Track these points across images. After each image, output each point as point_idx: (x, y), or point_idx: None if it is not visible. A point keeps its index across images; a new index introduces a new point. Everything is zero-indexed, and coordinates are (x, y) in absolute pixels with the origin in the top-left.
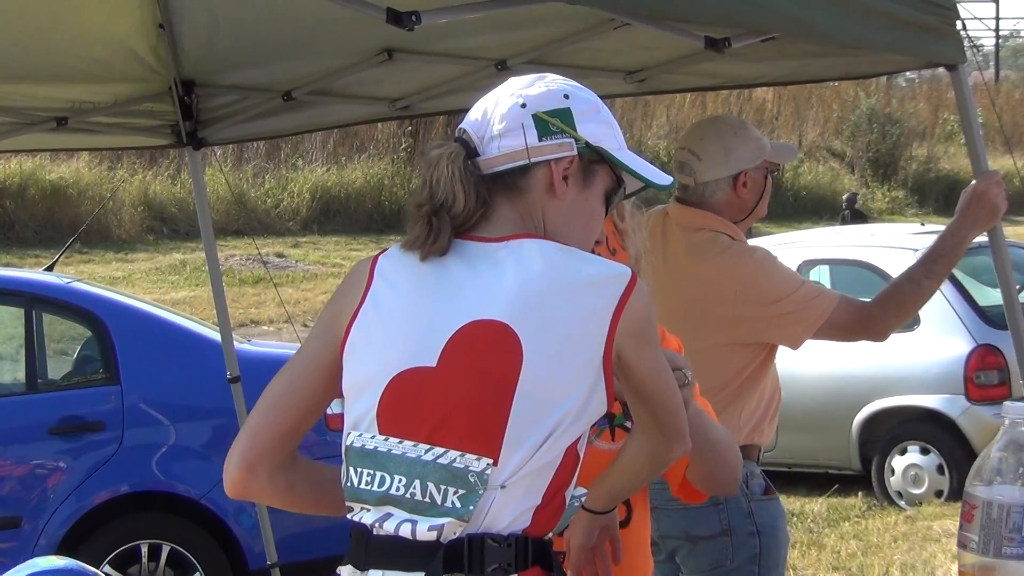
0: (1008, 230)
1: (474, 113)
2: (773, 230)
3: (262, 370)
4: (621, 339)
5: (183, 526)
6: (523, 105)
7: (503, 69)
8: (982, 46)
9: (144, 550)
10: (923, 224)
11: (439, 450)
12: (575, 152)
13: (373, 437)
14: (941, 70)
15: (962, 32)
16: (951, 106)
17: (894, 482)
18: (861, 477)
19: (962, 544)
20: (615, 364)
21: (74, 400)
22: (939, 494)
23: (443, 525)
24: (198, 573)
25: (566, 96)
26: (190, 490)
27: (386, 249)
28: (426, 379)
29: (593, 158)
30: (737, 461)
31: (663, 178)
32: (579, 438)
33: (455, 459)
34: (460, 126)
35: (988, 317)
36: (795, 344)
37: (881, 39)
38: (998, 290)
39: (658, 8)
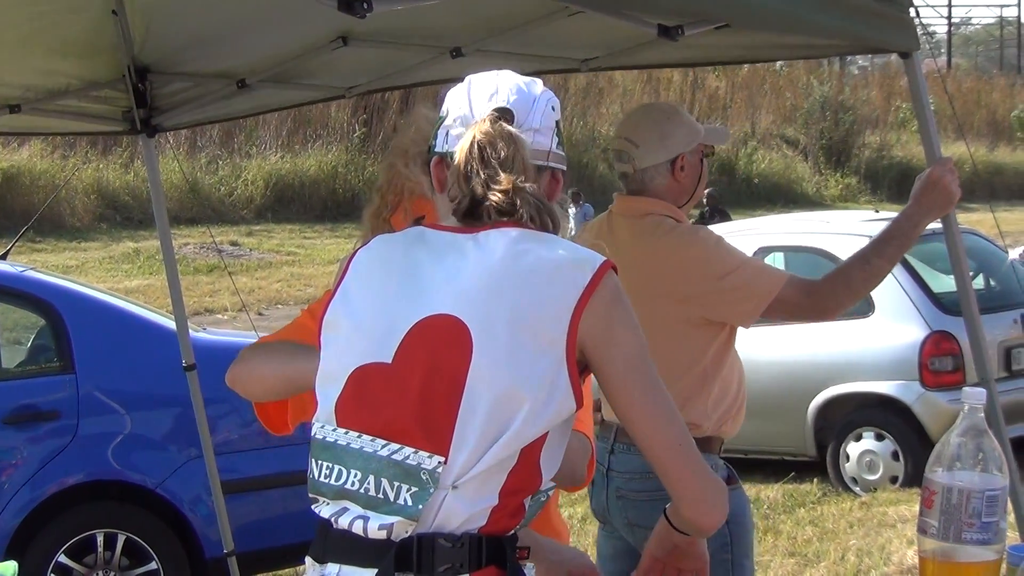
0: (961, 217)
1: (508, 93)
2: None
3: (217, 358)
4: (586, 330)
5: (139, 515)
6: (554, 108)
7: (458, 56)
8: (934, 33)
9: (100, 539)
10: (877, 211)
11: (394, 446)
12: (564, 167)
13: (334, 430)
14: (893, 58)
15: (915, 19)
16: (903, 94)
17: (849, 468)
18: (816, 463)
19: (922, 530)
20: (582, 357)
21: (28, 389)
22: (894, 480)
23: (392, 524)
24: (154, 562)
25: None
26: (146, 479)
27: (369, 243)
28: (382, 375)
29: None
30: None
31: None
32: (542, 438)
33: (408, 455)
34: (499, 100)
35: (942, 304)
36: (745, 321)
37: (835, 27)
38: (952, 277)
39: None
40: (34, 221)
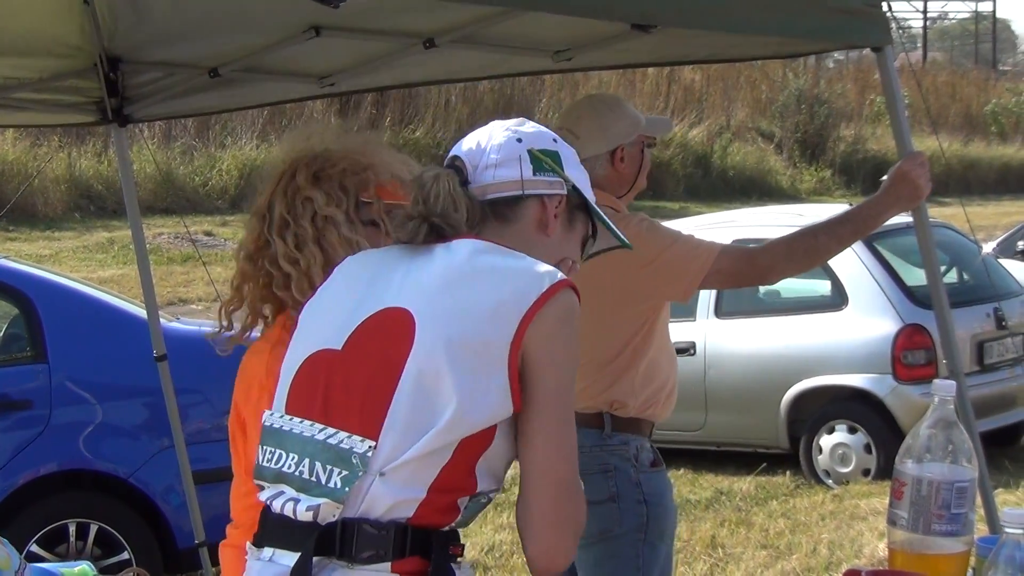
0: (935, 211)
1: (467, 143)
2: (703, 210)
3: (189, 348)
4: (531, 340)
5: (111, 505)
6: (519, 140)
7: (431, 47)
8: (909, 27)
9: (72, 529)
10: (851, 204)
11: (330, 430)
12: (565, 192)
13: (281, 416)
14: (869, 51)
15: (888, 14)
16: (878, 88)
17: (822, 461)
18: (789, 456)
19: (891, 521)
20: (524, 365)
21: (1, 378)
22: (866, 473)
23: (319, 506)
24: (126, 552)
25: (555, 140)
26: (118, 469)
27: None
28: (330, 361)
29: (577, 203)
30: None
31: (626, 240)
32: (482, 442)
33: (343, 440)
34: (452, 153)
35: (915, 297)
36: (684, 297)
37: (805, 24)
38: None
39: (580, 5)
40: (6, 210)
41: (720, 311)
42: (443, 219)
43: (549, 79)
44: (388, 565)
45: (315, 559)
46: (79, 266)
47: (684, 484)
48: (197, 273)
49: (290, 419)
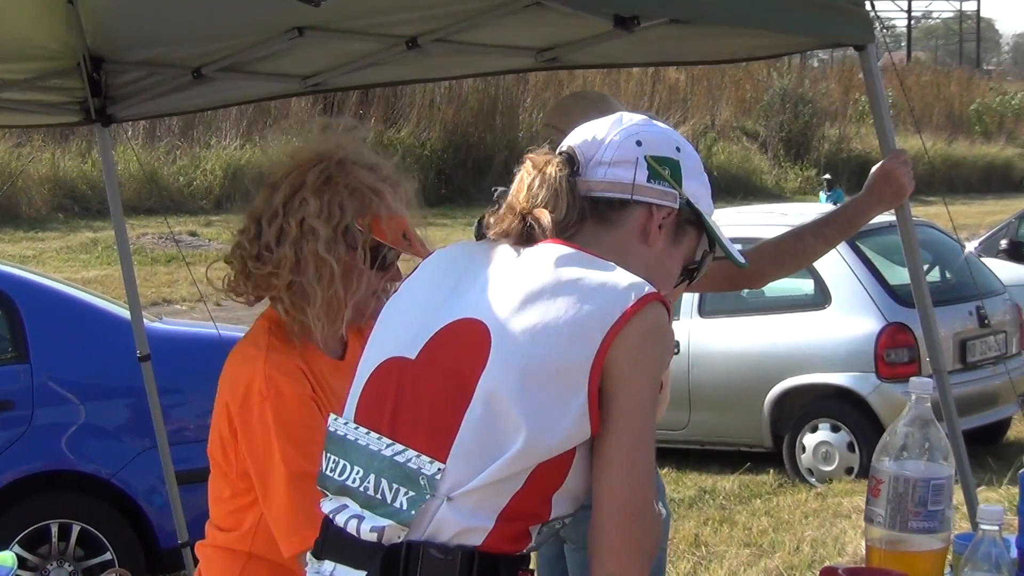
0: (919, 210)
1: (581, 135)
2: None
3: (173, 349)
4: (614, 357)
5: (94, 505)
6: (639, 143)
7: (414, 47)
8: (894, 27)
9: (54, 530)
10: (835, 203)
11: (399, 447)
12: (676, 205)
13: (347, 424)
14: (853, 51)
15: (872, 13)
16: (862, 87)
17: (805, 459)
18: (773, 455)
19: (869, 519)
20: (604, 383)
21: None
22: (849, 471)
23: (384, 528)
24: (108, 552)
25: (678, 149)
26: (100, 469)
27: (450, 245)
28: (403, 371)
29: (689, 217)
30: None
31: (741, 256)
32: (553, 462)
33: (411, 459)
34: (565, 145)
35: (898, 296)
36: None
37: (788, 21)
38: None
39: None
40: None
41: (703, 310)
42: (537, 218)
43: (533, 79)
44: None
45: None
46: (63, 267)
47: (668, 483)
48: (181, 273)
49: (356, 428)
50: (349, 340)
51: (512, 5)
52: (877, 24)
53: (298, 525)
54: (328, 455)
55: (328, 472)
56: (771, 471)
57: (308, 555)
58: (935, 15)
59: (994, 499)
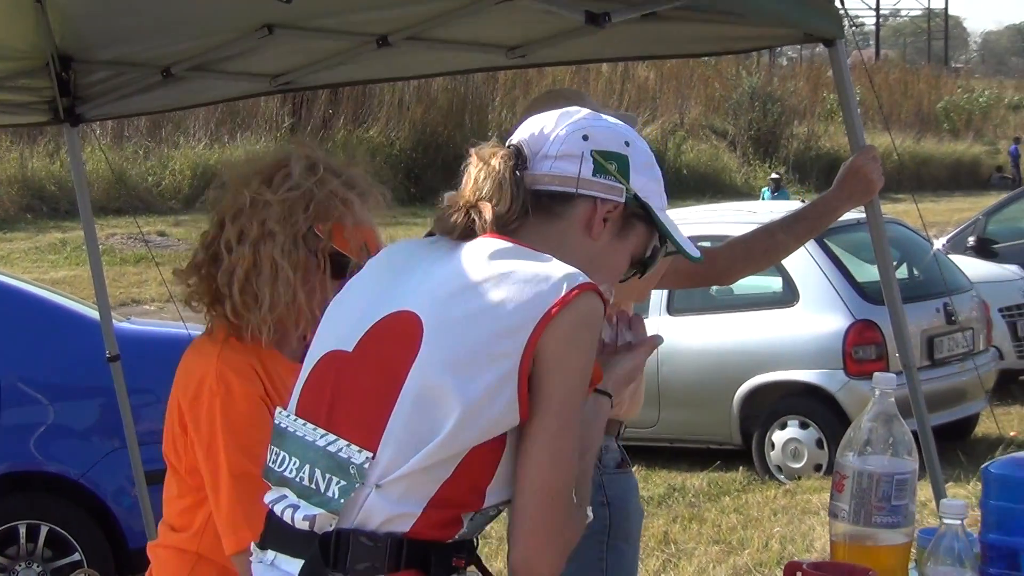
0: (888, 207)
1: (529, 128)
2: None
3: (142, 349)
4: (544, 346)
5: (62, 506)
6: (585, 138)
7: (384, 45)
8: (863, 25)
9: (22, 531)
10: (804, 201)
11: (332, 437)
12: (622, 200)
13: (288, 416)
14: (821, 49)
15: (841, 10)
16: (831, 85)
17: (774, 456)
18: (742, 452)
19: (833, 514)
20: (535, 371)
21: None
22: (818, 468)
23: (316, 516)
24: (77, 553)
25: (627, 143)
26: (69, 470)
27: (396, 241)
28: (340, 363)
29: (636, 212)
30: None
31: (694, 250)
32: (483, 450)
33: (342, 448)
34: (512, 139)
35: (866, 293)
36: (641, 298)
37: (761, 9)
38: (876, 266)
39: None
40: None
41: (672, 308)
42: (480, 211)
43: (503, 77)
44: None
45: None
46: (31, 267)
47: (637, 480)
48: (150, 273)
49: (296, 421)
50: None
51: (483, 2)
52: (846, 21)
53: (236, 524)
54: (271, 447)
55: (270, 464)
56: (740, 468)
57: (252, 545)
58: (903, 13)
59: (962, 495)
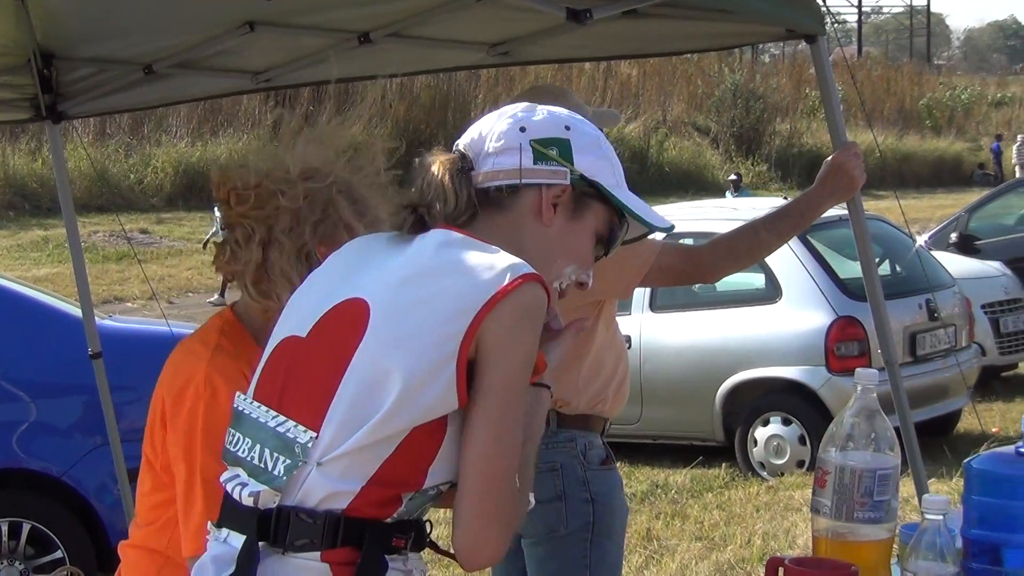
0: (871, 204)
1: (470, 133)
2: None
3: (124, 346)
4: (485, 333)
5: (44, 504)
6: (522, 129)
7: (365, 42)
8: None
9: (4, 528)
10: (786, 198)
11: (281, 418)
12: (567, 182)
13: (246, 400)
14: (803, 46)
15: (823, 7)
16: (813, 82)
17: (757, 453)
18: (724, 448)
19: (815, 509)
20: (478, 358)
21: None
22: (801, 464)
23: (259, 493)
24: (59, 551)
25: (567, 127)
26: (51, 467)
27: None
28: (294, 348)
29: (587, 191)
30: None
31: (661, 220)
32: (424, 431)
33: (289, 428)
34: (458, 144)
35: (849, 289)
36: (624, 295)
37: (742, 5)
38: (858, 263)
39: None
40: None
41: (655, 305)
42: (428, 209)
43: (485, 75)
44: (318, 554)
45: (260, 544)
46: (14, 265)
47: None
48: (133, 271)
49: (251, 404)
50: None
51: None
52: (828, 19)
53: (200, 529)
54: (230, 430)
55: (227, 445)
56: (723, 465)
57: (209, 523)
58: (886, 10)
59: (945, 491)
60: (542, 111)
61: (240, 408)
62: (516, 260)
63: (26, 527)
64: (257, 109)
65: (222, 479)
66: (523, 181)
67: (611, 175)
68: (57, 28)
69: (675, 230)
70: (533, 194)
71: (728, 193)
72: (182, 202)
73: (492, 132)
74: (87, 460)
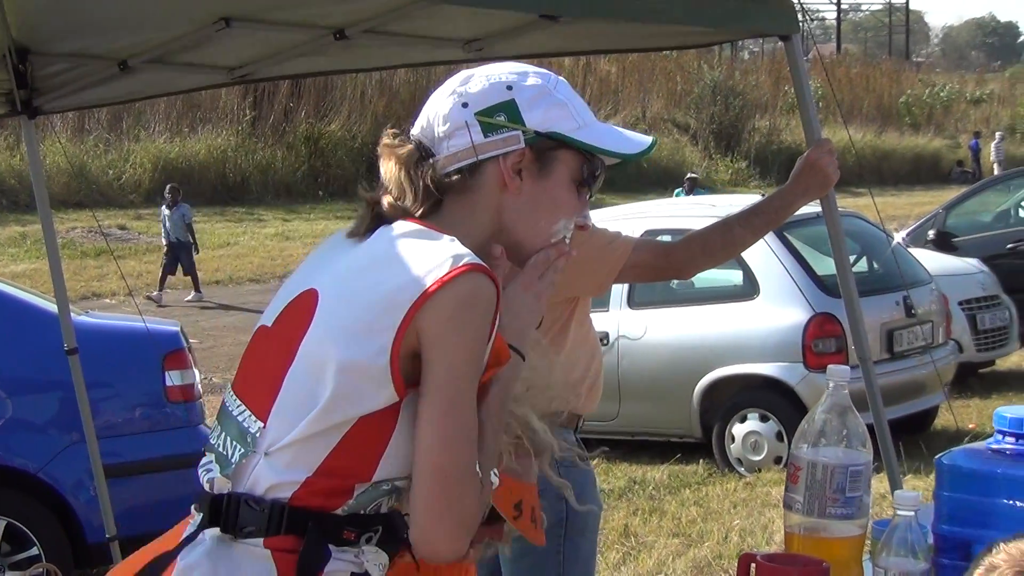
0: (849, 201)
1: (421, 121)
2: (618, 201)
3: (100, 342)
4: (422, 324)
5: (20, 500)
6: (464, 104)
7: (341, 38)
8: (823, 19)
9: None
10: (764, 195)
11: (241, 407)
12: (522, 145)
13: (227, 391)
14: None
15: (797, 4)
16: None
17: (734, 449)
18: (702, 445)
19: (787, 505)
20: (422, 349)
21: None
22: (778, 460)
23: (215, 479)
24: (35, 547)
25: (509, 88)
26: (27, 464)
27: None
28: (260, 338)
29: (548, 145)
30: None
31: (635, 145)
32: (371, 421)
33: (246, 418)
34: (412, 131)
35: (826, 286)
36: (599, 292)
37: (711, 13)
38: None
39: None
40: None
41: (632, 301)
42: (391, 204)
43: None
44: (261, 541)
45: (212, 530)
46: None
47: (598, 474)
48: (111, 267)
49: (230, 395)
50: None
51: None
52: (804, 16)
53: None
54: (214, 419)
55: (209, 434)
56: (700, 461)
57: (193, 507)
58: (864, 7)
59: (921, 487)
60: (480, 78)
61: (224, 398)
62: (459, 250)
63: (2, 524)
64: (236, 105)
65: (199, 466)
66: (479, 157)
67: (569, 119)
68: (32, 23)
69: (653, 227)
70: (494, 167)
71: (678, 192)
72: (160, 198)
73: (438, 115)
74: (63, 456)
